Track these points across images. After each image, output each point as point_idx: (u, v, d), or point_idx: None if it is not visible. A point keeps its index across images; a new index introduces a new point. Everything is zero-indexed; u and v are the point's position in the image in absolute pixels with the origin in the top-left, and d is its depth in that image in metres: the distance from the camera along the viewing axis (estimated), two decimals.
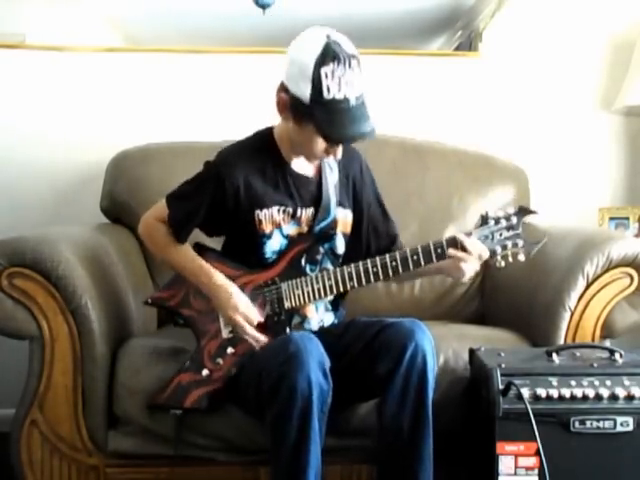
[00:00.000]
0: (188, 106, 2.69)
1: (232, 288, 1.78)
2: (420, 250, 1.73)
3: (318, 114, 1.64)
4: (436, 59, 2.82)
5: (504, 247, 1.73)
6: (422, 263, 1.74)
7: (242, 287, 1.81)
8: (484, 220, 1.73)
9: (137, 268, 2.29)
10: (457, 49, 3.09)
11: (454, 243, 1.73)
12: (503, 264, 1.75)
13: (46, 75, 2.68)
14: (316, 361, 1.58)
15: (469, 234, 1.74)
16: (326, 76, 1.60)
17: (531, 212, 1.75)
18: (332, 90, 1.61)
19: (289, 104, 1.69)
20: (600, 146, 2.80)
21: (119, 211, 2.43)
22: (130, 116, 2.68)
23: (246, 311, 1.77)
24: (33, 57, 2.68)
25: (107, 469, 1.91)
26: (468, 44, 2.98)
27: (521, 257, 1.74)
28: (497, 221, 1.73)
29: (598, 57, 2.78)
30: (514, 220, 1.72)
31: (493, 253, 1.73)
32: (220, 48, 2.74)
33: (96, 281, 1.89)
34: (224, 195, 1.77)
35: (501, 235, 1.72)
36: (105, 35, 3.12)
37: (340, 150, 1.74)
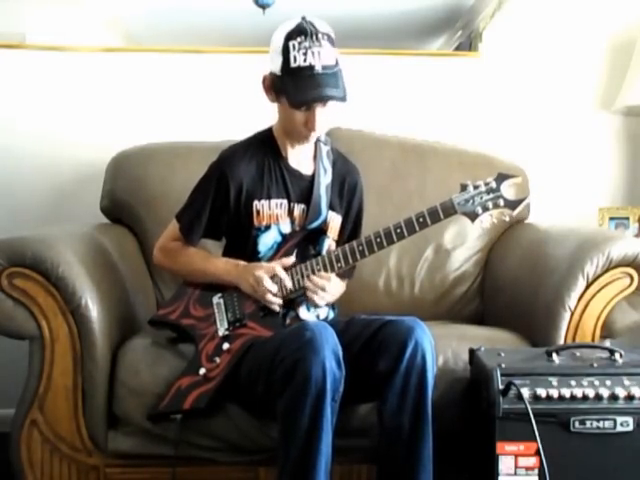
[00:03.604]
0: (188, 106, 2.69)
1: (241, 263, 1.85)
2: (382, 233, 1.79)
3: (286, 83, 1.74)
4: (436, 59, 2.82)
5: (485, 208, 1.76)
6: (385, 245, 1.78)
7: (237, 289, 1.85)
8: (463, 187, 1.78)
9: (137, 268, 2.29)
10: (457, 49, 3.09)
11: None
12: (488, 225, 1.80)
13: (46, 75, 2.68)
14: (331, 349, 1.60)
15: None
16: (293, 47, 1.72)
17: (510, 176, 1.78)
18: (298, 59, 1.72)
19: (269, 82, 1.81)
20: (600, 146, 2.80)
21: (119, 211, 2.43)
22: (130, 116, 2.68)
23: (265, 265, 1.82)
24: (33, 57, 2.68)
25: (107, 469, 1.91)
26: (468, 44, 2.99)
27: (506, 218, 1.78)
28: (476, 187, 1.77)
29: (598, 57, 2.78)
30: (493, 184, 1.77)
31: (474, 215, 1.77)
32: (220, 48, 2.74)
33: (96, 281, 1.89)
34: (227, 190, 1.84)
35: (482, 198, 1.76)
36: (105, 35, 3.12)
37: (316, 122, 1.78)
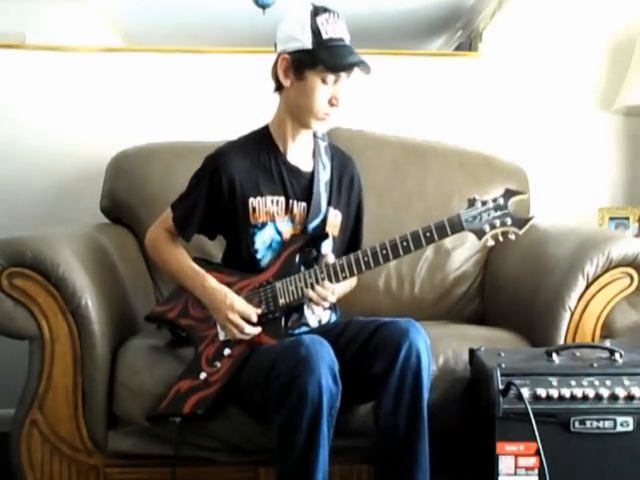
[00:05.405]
0: (188, 106, 2.69)
1: (226, 290, 1.83)
2: (388, 245, 1.77)
3: (322, 53, 1.76)
4: (436, 59, 2.82)
5: (492, 226, 1.74)
6: (390, 258, 1.78)
7: (238, 291, 1.84)
8: (471, 203, 1.76)
9: (137, 268, 2.29)
10: (457, 49, 3.10)
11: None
12: (492, 243, 1.76)
13: (46, 75, 2.68)
14: (327, 365, 1.58)
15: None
16: (322, 23, 1.78)
17: (518, 193, 1.77)
18: (330, 32, 1.78)
19: (291, 62, 1.80)
20: (600, 146, 2.80)
21: (119, 211, 2.43)
22: (130, 116, 2.68)
23: (243, 308, 1.79)
24: (33, 57, 2.68)
25: (107, 469, 1.91)
26: (468, 44, 3.00)
27: (511, 236, 1.76)
28: (484, 203, 1.76)
29: (598, 57, 2.78)
30: (501, 201, 1.75)
31: (482, 232, 1.75)
32: (219, 48, 2.74)
33: (96, 281, 1.89)
34: (220, 185, 1.84)
35: (489, 215, 1.75)
36: (105, 35, 3.12)
37: (341, 94, 1.80)
